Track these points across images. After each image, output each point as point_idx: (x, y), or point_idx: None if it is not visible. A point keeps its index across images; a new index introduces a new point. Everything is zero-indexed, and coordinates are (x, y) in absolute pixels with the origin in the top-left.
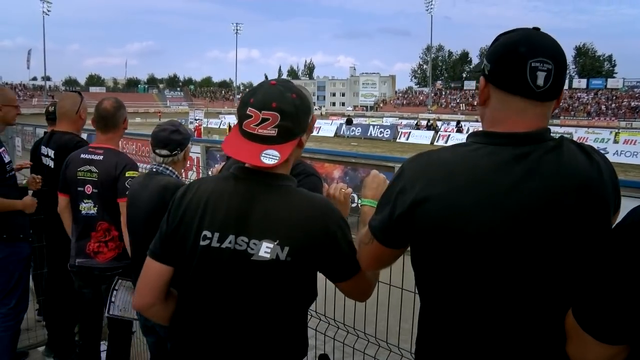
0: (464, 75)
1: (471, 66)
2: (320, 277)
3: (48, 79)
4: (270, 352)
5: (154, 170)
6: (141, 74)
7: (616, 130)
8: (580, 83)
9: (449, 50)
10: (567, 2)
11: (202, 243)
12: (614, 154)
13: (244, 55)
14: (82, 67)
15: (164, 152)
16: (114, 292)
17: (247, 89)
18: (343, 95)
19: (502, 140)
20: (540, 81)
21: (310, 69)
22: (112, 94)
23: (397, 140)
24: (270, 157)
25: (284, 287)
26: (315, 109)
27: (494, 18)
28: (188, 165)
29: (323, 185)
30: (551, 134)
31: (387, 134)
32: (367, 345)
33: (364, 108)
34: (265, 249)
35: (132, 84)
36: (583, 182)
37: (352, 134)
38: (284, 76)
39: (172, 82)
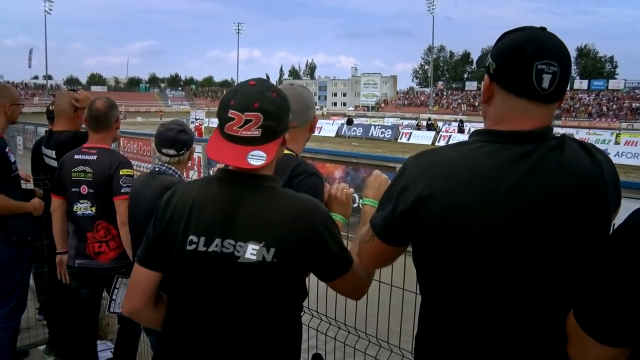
0: (466, 76)
1: (472, 67)
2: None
3: (49, 77)
4: (262, 354)
5: (157, 169)
6: (143, 73)
7: (617, 132)
8: (581, 84)
9: (450, 51)
10: (569, 3)
11: (188, 248)
12: (615, 155)
13: (245, 55)
14: (83, 66)
15: (171, 151)
16: (115, 290)
17: None
18: (344, 95)
19: (505, 139)
20: (545, 84)
21: (311, 69)
22: (113, 93)
23: (399, 140)
24: (256, 158)
25: (272, 288)
26: (317, 109)
27: (496, 19)
28: (189, 164)
29: (325, 185)
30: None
31: (388, 134)
32: (368, 346)
33: (365, 108)
34: (251, 251)
35: (133, 83)
36: (585, 180)
37: (353, 134)
38: (286, 76)
39: (174, 82)
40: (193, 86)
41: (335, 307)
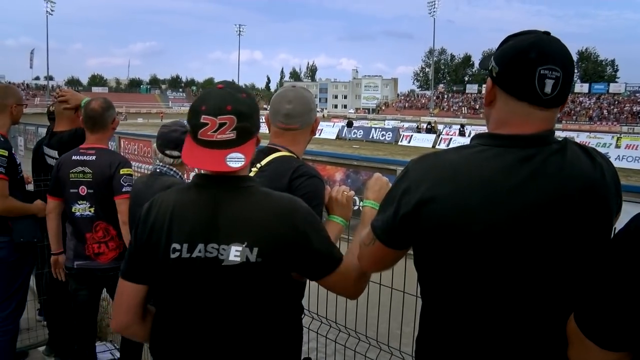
0: (466, 79)
1: (473, 69)
2: None
3: (51, 78)
4: (258, 357)
5: (158, 170)
6: (144, 74)
7: (618, 135)
8: (582, 87)
9: (451, 54)
10: (570, 6)
11: (172, 256)
12: (615, 158)
13: (246, 57)
14: (84, 66)
15: (175, 152)
16: None
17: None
18: (345, 97)
19: (506, 142)
20: (548, 89)
21: (312, 71)
22: (114, 94)
23: (399, 143)
24: (235, 160)
25: (260, 289)
26: (318, 111)
27: (497, 22)
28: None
29: (325, 187)
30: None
31: (389, 137)
32: (368, 349)
33: (366, 111)
34: (234, 253)
35: (134, 85)
36: (587, 183)
37: (353, 136)
38: (287, 78)
39: (175, 83)
40: (194, 87)
41: (336, 310)
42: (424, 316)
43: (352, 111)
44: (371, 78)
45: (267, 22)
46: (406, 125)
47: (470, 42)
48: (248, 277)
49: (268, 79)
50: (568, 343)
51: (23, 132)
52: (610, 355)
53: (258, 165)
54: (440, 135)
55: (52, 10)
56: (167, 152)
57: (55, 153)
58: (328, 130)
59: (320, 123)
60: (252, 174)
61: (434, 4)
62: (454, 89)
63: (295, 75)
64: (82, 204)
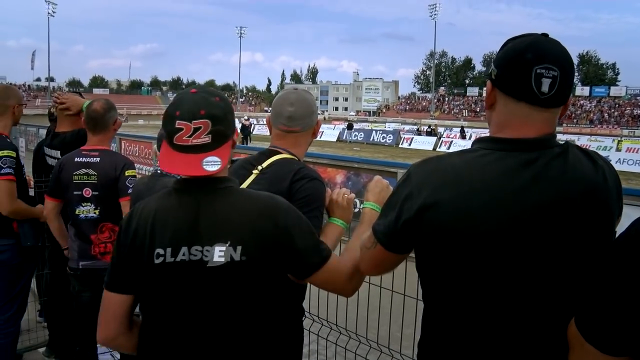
0: (467, 82)
1: (474, 72)
2: None
3: (52, 79)
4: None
5: (159, 172)
6: (145, 76)
7: (619, 139)
8: (583, 91)
9: (452, 57)
10: (570, 9)
11: (156, 261)
12: (616, 162)
13: (247, 59)
14: (85, 68)
15: None
16: None
17: (250, 93)
18: (346, 100)
19: (508, 146)
20: (545, 88)
21: (313, 74)
22: (115, 96)
23: (400, 145)
24: (211, 164)
25: (248, 290)
26: (319, 114)
27: (498, 25)
28: None
29: (326, 189)
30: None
31: (389, 140)
32: (369, 351)
33: (367, 113)
34: (218, 253)
35: (135, 86)
36: (589, 187)
37: (354, 138)
38: (288, 80)
39: (176, 85)
40: None
41: (337, 312)
42: (427, 320)
43: (353, 113)
44: (372, 80)
45: (268, 24)
46: (407, 127)
47: (471, 45)
48: (235, 278)
49: (269, 81)
50: (569, 348)
51: (24, 134)
52: None
53: (259, 168)
54: (441, 138)
55: (53, 12)
56: None
57: (57, 153)
58: (329, 133)
59: (321, 125)
60: (253, 176)
61: (435, 7)
62: (455, 91)
63: (296, 78)
64: (86, 205)
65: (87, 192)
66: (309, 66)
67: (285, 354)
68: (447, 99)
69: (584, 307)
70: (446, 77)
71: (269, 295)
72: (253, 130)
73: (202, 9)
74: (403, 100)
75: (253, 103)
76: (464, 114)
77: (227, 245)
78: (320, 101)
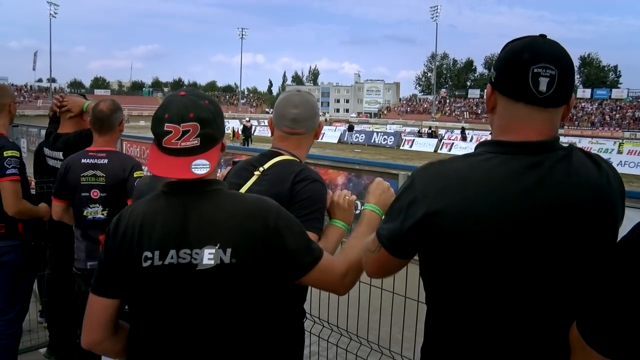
0: (469, 84)
1: (476, 74)
2: None
3: (53, 80)
4: None
5: None
6: (146, 77)
7: (620, 141)
8: (584, 93)
9: (453, 59)
10: (572, 12)
11: (144, 264)
12: (618, 164)
13: (248, 60)
14: (87, 69)
15: None
16: None
17: (251, 94)
18: (347, 101)
19: (512, 150)
20: (542, 87)
21: (314, 75)
22: (116, 97)
23: (401, 147)
24: (200, 167)
25: (240, 293)
26: (320, 115)
27: (499, 27)
28: None
29: (327, 191)
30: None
31: (390, 141)
32: (370, 353)
33: (368, 115)
34: (208, 256)
35: (136, 87)
36: (594, 190)
37: (355, 140)
38: (289, 82)
39: (177, 86)
40: None
41: (337, 314)
42: (430, 324)
43: (354, 115)
44: (373, 82)
45: (270, 26)
46: (408, 129)
47: (473, 47)
48: (225, 280)
49: (270, 82)
50: (570, 351)
51: (26, 134)
52: None
53: (261, 169)
54: (442, 140)
55: (55, 13)
56: None
57: (59, 154)
58: (330, 134)
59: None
60: (254, 178)
61: (437, 9)
62: (456, 93)
63: (297, 79)
64: (94, 207)
65: (95, 194)
66: (310, 68)
67: (285, 356)
68: (448, 100)
69: (585, 311)
70: (447, 79)
71: (262, 298)
72: (254, 131)
73: (203, 10)
74: (404, 102)
75: (254, 104)
76: (465, 116)
77: (216, 247)
78: (322, 103)
